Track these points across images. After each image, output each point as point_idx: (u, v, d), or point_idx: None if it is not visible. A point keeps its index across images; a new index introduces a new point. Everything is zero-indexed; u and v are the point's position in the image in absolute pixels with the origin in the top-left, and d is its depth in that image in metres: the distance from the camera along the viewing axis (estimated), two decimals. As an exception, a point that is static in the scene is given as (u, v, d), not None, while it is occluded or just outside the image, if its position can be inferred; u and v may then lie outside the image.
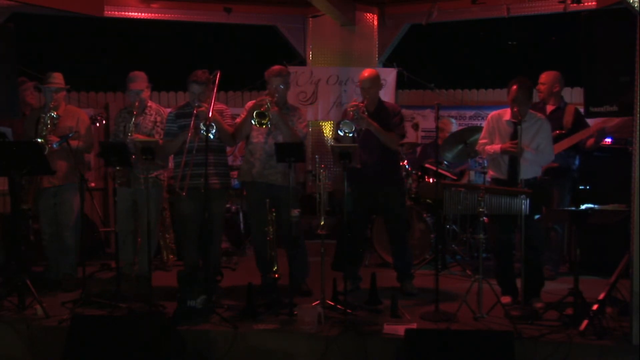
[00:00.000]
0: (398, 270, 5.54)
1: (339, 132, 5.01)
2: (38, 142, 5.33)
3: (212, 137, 4.94)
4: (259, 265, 5.43)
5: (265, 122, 5.00)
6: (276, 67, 5.33)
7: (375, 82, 5.39)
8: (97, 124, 6.60)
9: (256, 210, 5.21)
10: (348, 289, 4.92)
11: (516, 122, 4.86)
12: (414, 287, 5.45)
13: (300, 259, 5.26)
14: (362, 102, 5.24)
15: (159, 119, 5.62)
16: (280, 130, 5.19)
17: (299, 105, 6.79)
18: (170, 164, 5.77)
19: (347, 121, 5.03)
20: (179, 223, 5.48)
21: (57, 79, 5.64)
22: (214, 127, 4.94)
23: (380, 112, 5.34)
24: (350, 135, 4.99)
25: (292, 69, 8.22)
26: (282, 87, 5.30)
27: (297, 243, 4.97)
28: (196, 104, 5.10)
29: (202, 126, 4.95)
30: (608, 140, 6.15)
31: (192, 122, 5.02)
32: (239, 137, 5.45)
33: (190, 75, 5.28)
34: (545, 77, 6.00)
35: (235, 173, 7.49)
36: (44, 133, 5.45)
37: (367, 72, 5.40)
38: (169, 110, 5.72)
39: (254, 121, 5.00)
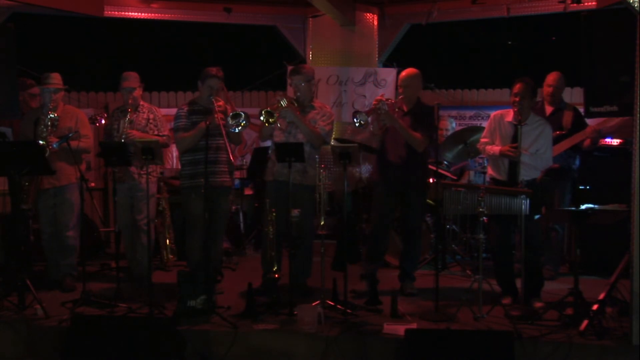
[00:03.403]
0: (402, 269, 5.51)
1: (355, 120, 5.02)
2: (39, 142, 5.32)
3: (242, 128, 5.03)
4: (263, 264, 5.43)
5: (272, 120, 5.06)
6: (297, 66, 5.42)
7: (412, 82, 5.38)
8: (97, 124, 6.61)
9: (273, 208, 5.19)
10: (365, 290, 5.05)
11: (517, 124, 4.86)
12: (414, 287, 5.44)
13: (302, 258, 5.26)
14: (391, 99, 5.25)
15: (151, 116, 5.68)
16: (300, 128, 5.22)
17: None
18: (174, 164, 5.79)
19: (363, 112, 5.03)
20: (188, 222, 5.47)
21: (55, 79, 5.62)
22: (242, 115, 5.01)
23: (414, 112, 5.33)
24: (362, 126, 5.01)
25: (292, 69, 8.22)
26: (302, 84, 5.33)
27: (297, 243, 4.98)
28: (212, 98, 5.17)
29: (230, 121, 5.02)
30: (612, 141, 6.14)
31: (214, 117, 5.03)
32: (263, 138, 5.60)
33: (207, 71, 5.33)
34: (556, 81, 5.98)
35: (236, 173, 7.48)
36: (44, 135, 5.45)
37: (405, 72, 5.45)
38: (167, 109, 5.74)
39: (263, 118, 5.03)
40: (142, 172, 5.37)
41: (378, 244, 5.52)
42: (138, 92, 5.67)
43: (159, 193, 6.45)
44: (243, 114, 5.04)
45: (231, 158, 5.10)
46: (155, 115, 5.68)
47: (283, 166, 5.22)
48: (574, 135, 5.77)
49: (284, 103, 5.11)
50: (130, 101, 5.60)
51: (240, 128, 5.04)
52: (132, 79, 5.64)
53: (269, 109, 5.07)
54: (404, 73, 5.44)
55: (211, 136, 5.03)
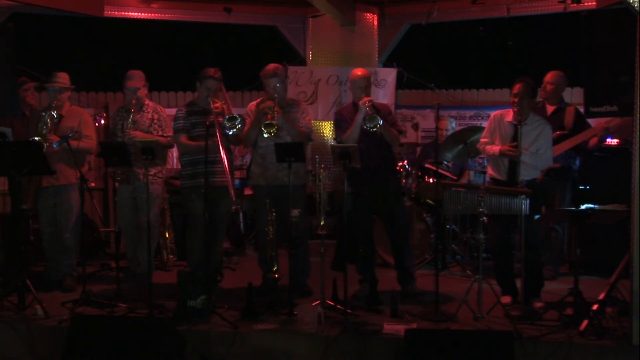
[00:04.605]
0: (400, 272, 5.47)
1: (368, 128, 5.01)
2: (36, 140, 5.32)
3: (237, 131, 5.03)
4: (261, 265, 5.45)
5: (273, 130, 5.05)
6: (270, 67, 5.33)
7: (369, 82, 5.38)
8: (97, 124, 6.61)
9: (265, 211, 5.15)
10: (365, 293, 5.08)
11: (517, 124, 4.86)
12: (417, 288, 5.39)
13: (301, 258, 5.25)
14: (372, 99, 5.22)
15: (156, 116, 5.66)
16: (288, 131, 5.22)
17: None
18: (174, 164, 5.79)
19: (372, 115, 5.00)
20: (189, 223, 5.47)
21: (62, 78, 5.65)
22: (238, 118, 5.01)
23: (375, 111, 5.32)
24: (375, 129, 5.00)
25: (292, 69, 8.23)
26: (279, 85, 5.30)
27: (297, 243, 4.98)
28: (210, 99, 5.15)
29: (226, 123, 5.02)
30: (612, 141, 6.13)
31: (211, 118, 5.01)
32: (248, 144, 5.49)
33: (205, 72, 5.33)
34: (554, 78, 5.97)
35: (236, 173, 7.50)
36: (43, 132, 5.45)
37: (360, 72, 5.38)
38: (167, 109, 5.74)
39: (265, 134, 5.03)
40: (147, 173, 5.38)
41: (367, 248, 5.49)
42: (143, 92, 5.67)
43: (159, 193, 6.45)
44: (239, 117, 5.04)
45: (223, 156, 5.04)
46: (160, 116, 5.66)
47: (277, 169, 5.24)
48: (577, 135, 5.75)
49: (274, 111, 5.10)
50: (134, 101, 5.58)
51: (235, 130, 5.04)
52: (136, 79, 5.63)
53: (267, 121, 5.06)
54: (358, 73, 5.34)
55: (211, 136, 5.03)
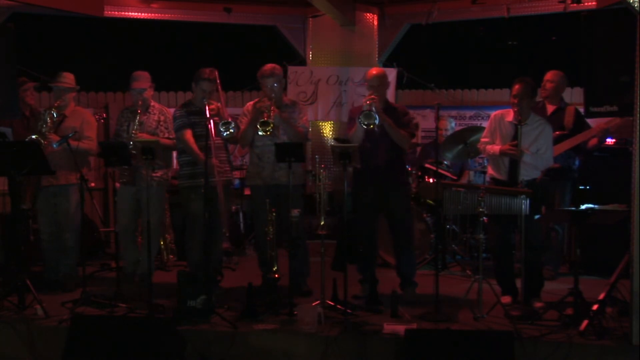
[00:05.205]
0: (402, 277, 5.42)
1: (360, 124, 4.99)
2: (33, 138, 5.31)
3: (229, 134, 5.08)
4: (261, 266, 5.45)
5: (269, 129, 5.05)
6: (267, 67, 5.32)
7: (383, 81, 5.34)
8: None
9: (264, 211, 5.16)
10: (365, 294, 5.07)
11: (517, 124, 4.86)
12: (415, 294, 5.32)
13: (301, 259, 5.25)
14: (375, 97, 5.17)
15: (162, 118, 5.64)
16: (285, 130, 5.21)
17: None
18: (175, 164, 5.79)
19: (368, 112, 4.98)
20: (188, 222, 5.47)
21: (67, 78, 5.67)
22: (232, 123, 5.06)
23: (388, 112, 5.25)
24: (367, 127, 4.98)
25: (292, 69, 8.23)
26: (276, 85, 5.29)
27: (297, 243, 4.98)
28: (205, 101, 5.15)
29: (221, 127, 5.07)
30: (612, 141, 6.14)
31: (207, 120, 5.02)
32: (244, 143, 5.47)
33: (200, 73, 5.32)
34: (554, 76, 5.97)
35: (236, 173, 7.52)
36: (43, 130, 5.45)
37: (375, 70, 5.38)
38: (172, 110, 5.73)
39: (260, 132, 5.03)
40: (153, 175, 5.38)
41: (369, 249, 5.47)
42: (149, 93, 5.66)
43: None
44: (233, 122, 5.09)
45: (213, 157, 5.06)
46: (166, 117, 5.64)
47: (274, 169, 5.24)
48: (577, 135, 5.75)
49: (269, 110, 5.11)
50: (139, 102, 5.57)
51: (228, 133, 5.10)
52: (142, 80, 5.61)
53: (264, 119, 5.06)
54: (373, 72, 5.32)
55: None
